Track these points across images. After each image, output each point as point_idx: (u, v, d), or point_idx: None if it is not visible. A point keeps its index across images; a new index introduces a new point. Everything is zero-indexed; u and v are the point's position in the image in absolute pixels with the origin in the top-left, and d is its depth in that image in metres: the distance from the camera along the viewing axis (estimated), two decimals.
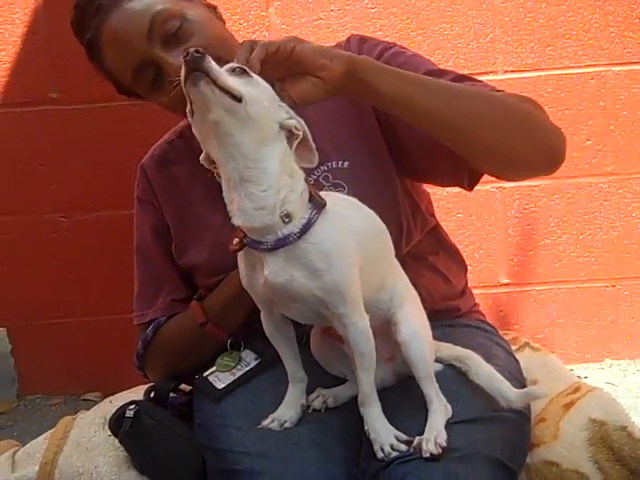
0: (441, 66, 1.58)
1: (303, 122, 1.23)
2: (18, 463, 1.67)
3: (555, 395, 1.63)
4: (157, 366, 1.68)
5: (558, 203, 2.68)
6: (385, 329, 1.38)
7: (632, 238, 2.74)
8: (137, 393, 1.78)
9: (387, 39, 2.46)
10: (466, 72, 2.48)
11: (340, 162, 1.51)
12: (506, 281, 2.74)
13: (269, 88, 1.23)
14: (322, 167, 1.50)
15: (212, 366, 1.57)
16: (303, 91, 1.28)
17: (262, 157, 1.18)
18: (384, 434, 1.29)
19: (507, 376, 1.48)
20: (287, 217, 1.20)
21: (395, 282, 1.40)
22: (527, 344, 1.90)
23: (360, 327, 1.27)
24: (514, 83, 2.61)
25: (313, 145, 1.23)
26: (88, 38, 1.54)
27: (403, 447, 1.27)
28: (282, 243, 1.20)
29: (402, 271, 1.42)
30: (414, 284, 1.43)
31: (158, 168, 1.70)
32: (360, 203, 1.36)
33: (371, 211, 1.36)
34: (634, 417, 1.60)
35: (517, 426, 1.43)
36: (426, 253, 1.63)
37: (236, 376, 1.54)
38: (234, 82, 1.15)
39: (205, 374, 1.56)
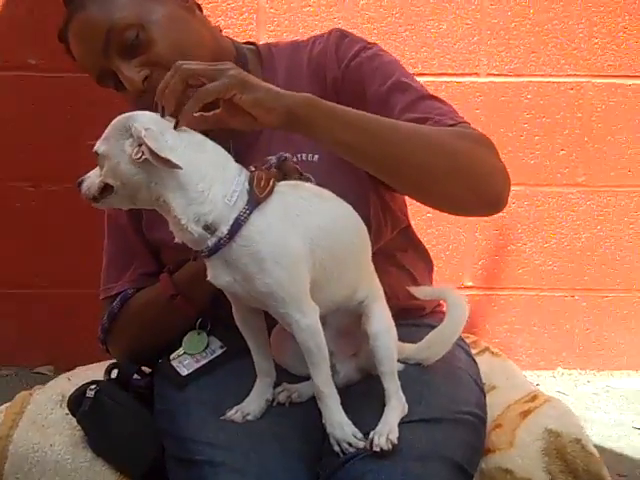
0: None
1: (142, 133, 1.20)
2: None
3: (512, 402, 1.62)
4: (122, 340, 1.65)
5: (527, 210, 2.72)
6: (351, 323, 1.38)
7: (595, 250, 2.79)
8: (94, 371, 1.75)
9: (374, 32, 2.55)
10: (450, 72, 2.56)
11: (310, 155, 1.50)
12: (470, 284, 2.77)
13: (112, 143, 1.25)
14: (293, 159, 1.46)
15: (178, 348, 1.54)
16: (236, 124, 1.27)
17: (156, 194, 1.24)
18: (340, 429, 1.29)
19: (467, 379, 1.51)
20: (208, 228, 1.22)
21: (371, 280, 1.39)
22: (487, 348, 1.92)
23: (303, 325, 1.26)
24: (495, 87, 2.66)
25: (157, 152, 1.18)
26: (59, 29, 1.51)
27: (361, 444, 1.27)
28: (215, 249, 1.23)
29: (373, 269, 1.41)
30: (380, 281, 1.42)
31: None
32: (334, 196, 1.34)
33: (346, 206, 1.35)
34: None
35: (476, 429, 1.44)
36: (394, 250, 1.62)
37: (201, 363, 1.52)
38: (96, 181, 1.27)
39: (170, 358, 1.53)
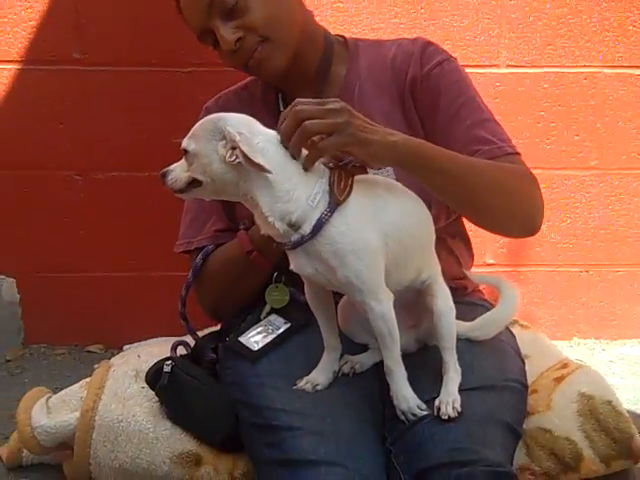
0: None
1: (236, 137, 1.24)
2: (53, 409, 1.72)
3: (545, 370, 1.75)
4: (208, 295, 1.72)
5: (544, 192, 2.59)
6: (413, 299, 1.46)
7: (607, 228, 2.84)
8: (159, 348, 1.82)
9: (401, 26, 2.55)
10: (471, 63, 2.54)
11: None
12: (491, 261, 2.82)
13: (203, 143, 1.29)
14: None
15: (252, 319, 1.63)
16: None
17: (244, 191, 1.30)
18: (406, 403, 1.38)
19: (510, 351, 1.61)
20: (292, 225, 1.28)
21: (433, 262, 1.47)
22: (517, 322, 2.01)
23: (378, 311, 1.33)
24: (514, 77, 2.69)
25: (251, 157, 1.23)
26: None
27: (424, 414, 1.37)
28: (298, 244, 1.30)
29: (434, 252, 1.50)
30: None
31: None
32: (404, 190, 1.41)
33: (415, 199, 1.42)
34: None
35: (521, 395, 1.54)
36: (445, 234, 1.70)
37: (269, 339, 1.59)
38: (183, 175, 1.31)
39: (240, 334, 1.61)
